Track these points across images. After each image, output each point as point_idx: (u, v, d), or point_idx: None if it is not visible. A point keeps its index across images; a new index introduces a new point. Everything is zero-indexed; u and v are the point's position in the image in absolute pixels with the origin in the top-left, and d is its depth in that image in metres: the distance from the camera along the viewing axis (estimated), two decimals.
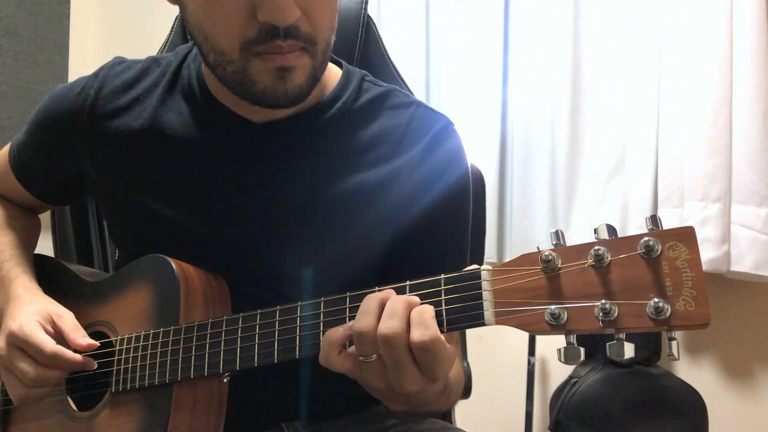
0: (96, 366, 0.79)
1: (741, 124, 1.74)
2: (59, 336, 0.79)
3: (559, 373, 1.94)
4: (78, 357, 0.77)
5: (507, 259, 1.94)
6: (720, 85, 1.73)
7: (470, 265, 0.63)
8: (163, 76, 0.86)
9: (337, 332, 0.64)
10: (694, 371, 1.88)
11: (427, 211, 0.82)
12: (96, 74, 0.88)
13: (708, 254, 1.71)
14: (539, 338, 1.85)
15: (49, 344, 0.77)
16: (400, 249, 0.82)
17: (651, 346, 1.82)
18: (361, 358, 0.62)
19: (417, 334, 0.58)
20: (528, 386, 1.87)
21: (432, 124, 0.85)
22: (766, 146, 1.74)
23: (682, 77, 1.77)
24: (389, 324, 0.59)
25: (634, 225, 1.85)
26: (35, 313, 0.80)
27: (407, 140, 0.83)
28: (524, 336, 1.86)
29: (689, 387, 1.77)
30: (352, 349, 0.63)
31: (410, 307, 0.60)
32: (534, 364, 1.87)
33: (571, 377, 1.85)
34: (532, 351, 1.87)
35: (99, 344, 0.79)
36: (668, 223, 1.78)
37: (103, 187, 0.88)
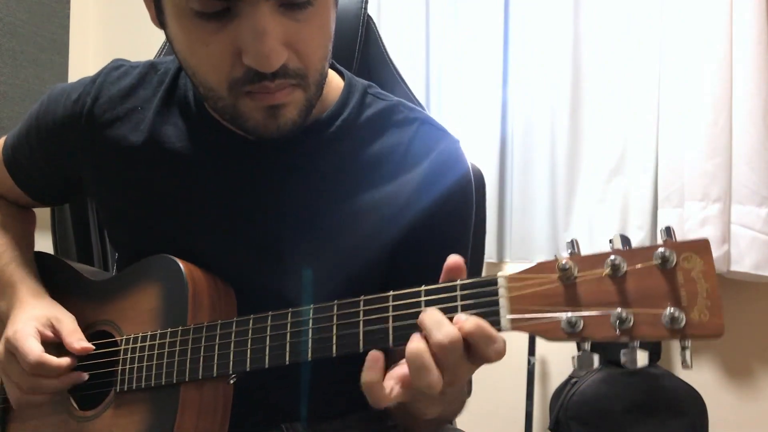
0: (86, 378, 0.79)
1: (741, 124, 1.74)
2: (58, 340, 0.79)
3: (559, 373, 1.94)
4: (63, 365, 0.77)
5: (507, 259, 1.95)
6: (720, 85, 1.73)
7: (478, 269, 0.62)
8: (160, 85, 0.84)
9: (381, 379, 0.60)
10: (694, 371, 1.87)
11: (429, 231, 0.80)
12: (93, 80, 0.86)
13: None
14: (539, 338, 1.85)
15: (33, 353, 0.76)
16: (402, 266, 0.81)
17: (651, 346, 1.82)
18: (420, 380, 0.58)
19: (492, 350, 0.58)
20: (528, 386, 1.87)
21: (435, 143, 0.82)
22: (766, 146, 1.74)
23: (682, 77, 1.78)
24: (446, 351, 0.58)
25: (634, 225, 1.85)
26: (34, 318, 0.80)
27: (410, 160, 0.81)
28: (524, 336, 1.85)
29: (689, 387, 1.77)
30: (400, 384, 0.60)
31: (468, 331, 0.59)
32: (534, 364, 1.87)
33: (571, 377, 1.85)
34: (532, 351, 1.87)
35: (94, 347, 0.78)
36: (668, 223, 1.79)
37: (100, 196, 0.87)
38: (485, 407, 1.90)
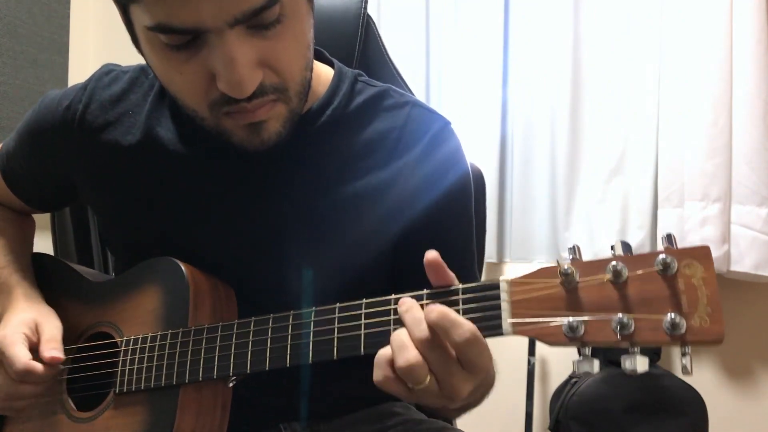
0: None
1: (741, 124, 1.74)
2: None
3: (559, 373, 1.94)
4: (49, 373, 0.77)
5: (507, 259, 1.95)
6: (720, 85, 1.73)
7: (479, 267, 0.61)
8: (151, 88, 0.84)
9: (388, 351, 0.60)
10: (694, 371, 1.87)
11: (429, 216, 0.80)
12: (84, 87, 0.86)
13: None
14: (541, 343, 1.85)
15: (21, 359, 0.76)
16: (405, 255, 0.81)
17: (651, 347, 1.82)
18: (414, 387, 0.59)
19: (456, 335, 0.57)
20: (528, 386, 1.87)
21: (428, 125, 0.83)
22: (766, 146, 1.74)
23: (682, 77, 1.78)
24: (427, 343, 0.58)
25: (635, 225, 1.85)
26: (23, 322, 0.80)
27: (403, 143, 0.81)
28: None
29: (689, 387, 1.77)
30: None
31: (433, 321, 0.58)
32: (534, 364, 1.87)
33: (571, 377, 1.85)
34: (532, 351, 1.87)
35: (63, 358, 0.78)
36: (668, 222, 1.79)
37: (96, 201, 0.88)
38: (485, 407, 1.90)
